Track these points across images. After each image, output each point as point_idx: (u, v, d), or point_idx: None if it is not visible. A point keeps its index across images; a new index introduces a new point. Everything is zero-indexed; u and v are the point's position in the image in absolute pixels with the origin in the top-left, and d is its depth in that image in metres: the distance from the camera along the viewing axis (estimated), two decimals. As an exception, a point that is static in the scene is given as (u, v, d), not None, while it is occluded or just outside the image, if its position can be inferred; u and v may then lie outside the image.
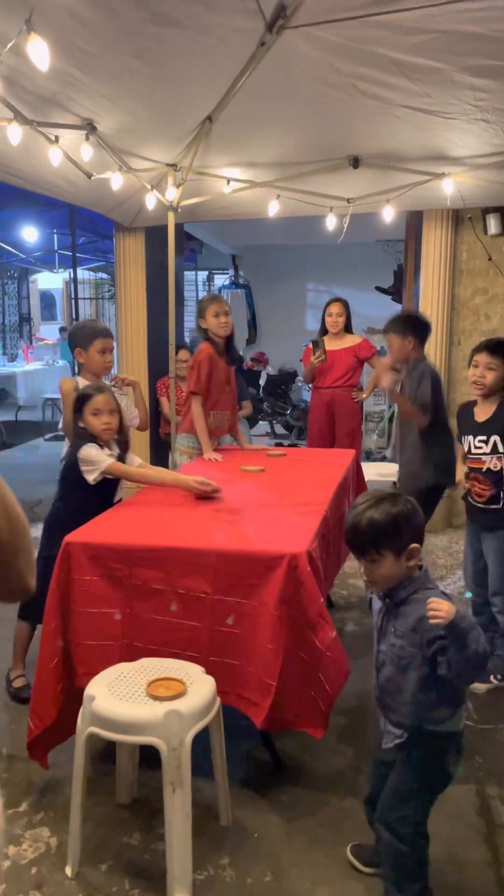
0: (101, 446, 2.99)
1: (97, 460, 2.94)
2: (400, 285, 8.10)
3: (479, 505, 3.19)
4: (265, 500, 3.11)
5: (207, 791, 2.36)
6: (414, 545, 1.84)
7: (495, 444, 3.11)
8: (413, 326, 3.90)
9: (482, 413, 3.22)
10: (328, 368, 5.24)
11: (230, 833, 2.31)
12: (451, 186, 4.45)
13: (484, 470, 3.14)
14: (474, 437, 3.19)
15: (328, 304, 5.39)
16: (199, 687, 2.14)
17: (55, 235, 9.71)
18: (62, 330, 13.74)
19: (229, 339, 4.20)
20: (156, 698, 2.06)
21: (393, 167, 4.40)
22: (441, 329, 5.51)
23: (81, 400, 3.03)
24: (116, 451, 3.06)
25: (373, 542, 1.85)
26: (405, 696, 1.87)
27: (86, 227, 8.30)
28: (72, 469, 3.00)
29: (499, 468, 3.10)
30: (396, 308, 8.70)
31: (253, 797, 2.48)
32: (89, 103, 3.45)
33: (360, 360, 5.28)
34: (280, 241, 9.67)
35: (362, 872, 2.14)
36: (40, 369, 12.02)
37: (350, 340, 5.30)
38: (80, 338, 3.51)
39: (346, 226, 4.92)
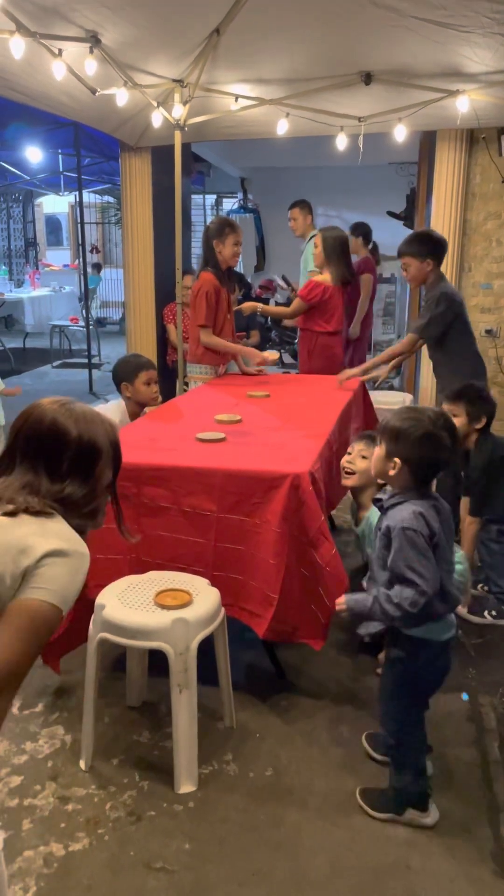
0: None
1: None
2: (412, 210, 7.93)
3: None
4: (270, 424, 3.16)
5: (213, 697, 2.50)
6: (396, 459, 1.96)
7: None
8: (431, 246, 3.76)
9: None
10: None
11: (234, 734, 2.46)
12: (465, 104, 4.33)
13: None
14: None
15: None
16: (204, 597, 2.24)
17: (60, 156, 9.48)
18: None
19: (230, 267, 4.22)
20: (163, 607, 2.17)
21: (406, 84, 4.27)
22: (452, 255, 5.43)
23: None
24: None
25: (380, 429, 2.03)
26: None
27: (91, 148, 8.09)
28: None
29: None
30: (407, 234, 8.54)
31: (255, 702, 2.63)
32: (92, 14, 3.35)
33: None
34: (290, 163, 9.42)
35: (374, 759, 2.32)
36: (47, 295, 11.93)
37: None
38: (123, 373, 3.47)
39: (361, 146, 4.79)
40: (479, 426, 3.20)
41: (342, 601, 2.04)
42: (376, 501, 2.07)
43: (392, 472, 1.97)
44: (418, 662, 2.00)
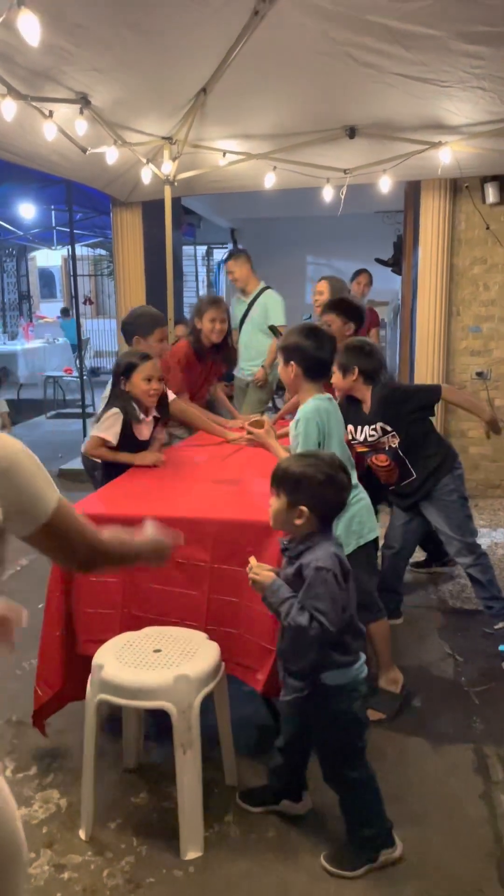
0: (129, 414, 3.11)
1: (102, 427, 3.10)
2: (399, 257, 8.05)
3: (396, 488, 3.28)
4: (261, 471, 3.14)
5: (212, 753, 2.43)
6: (303, 507, 1.94)
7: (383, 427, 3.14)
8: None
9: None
10: None
11: (235, 793, 2.38)
12: (447, 155, 4.43)
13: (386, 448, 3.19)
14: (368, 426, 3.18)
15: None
16: (205, 653, 2.19)
17: (53, 212, 9.64)
18: (64, 311, 13.84)
19: (223, 341, 4.07)
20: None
21: (389, 137, 4.38)
22: (440, 299, 5.51)
23: (132, 365, 3.15)
24: (152, 415, 3.25)
25: (277, 480, 2.00)
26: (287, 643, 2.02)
27: (83, 203, 8.24)
28: None
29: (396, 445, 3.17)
30: (396, 280, 8.66)
31: (256, 759, 2.54)
32: (82, 76, 3.43)
33: None
34: (279, 213, 9.61)
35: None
36: (41, 347, 12.03)
37: None
38: (138, 325, 3.54)
39: (343, 197, 4.89)
40: (353, 377, 3.08)
41: (269, 575, 1.98)
42: (283, 550, 2.07)
43: (299, 522, 1.96)
44: (337, 708, 2.00)
